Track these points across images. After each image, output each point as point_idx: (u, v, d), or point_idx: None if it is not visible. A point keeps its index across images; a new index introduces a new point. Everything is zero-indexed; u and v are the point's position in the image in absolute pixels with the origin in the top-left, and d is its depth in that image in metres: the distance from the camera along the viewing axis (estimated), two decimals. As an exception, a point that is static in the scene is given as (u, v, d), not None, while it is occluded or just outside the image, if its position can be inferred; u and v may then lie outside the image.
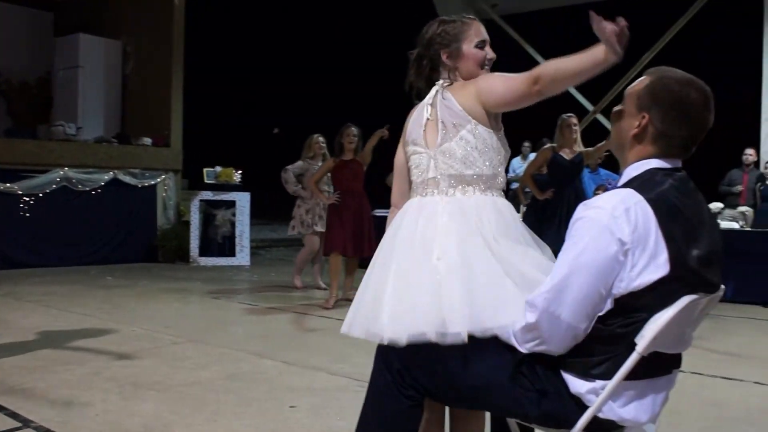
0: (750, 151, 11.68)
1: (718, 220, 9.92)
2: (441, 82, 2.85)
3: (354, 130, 8.51)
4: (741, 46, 14.86)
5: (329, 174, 8.86)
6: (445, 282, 2.45)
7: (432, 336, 2.35)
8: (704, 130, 2.24)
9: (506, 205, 2.75)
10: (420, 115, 2.85)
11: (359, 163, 8.48)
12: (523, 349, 2.23)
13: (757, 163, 11.87)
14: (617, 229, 2.07)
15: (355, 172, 8.48)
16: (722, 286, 2.30)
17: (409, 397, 2.40)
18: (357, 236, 8.32)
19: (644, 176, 2.20)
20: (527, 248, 2.63)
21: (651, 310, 2.10)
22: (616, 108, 2.36)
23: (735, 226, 9.94)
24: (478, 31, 2.86)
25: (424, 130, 2.81)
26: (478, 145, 2.71)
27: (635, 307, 2.11)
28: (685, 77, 2.24)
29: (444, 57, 2.84)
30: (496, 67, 2.85)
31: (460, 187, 2.71)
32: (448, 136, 2.73)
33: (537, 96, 2.56)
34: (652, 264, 2.07)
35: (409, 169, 2.91)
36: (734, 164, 11.94)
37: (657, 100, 2.21)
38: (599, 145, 7.64)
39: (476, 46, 2.84)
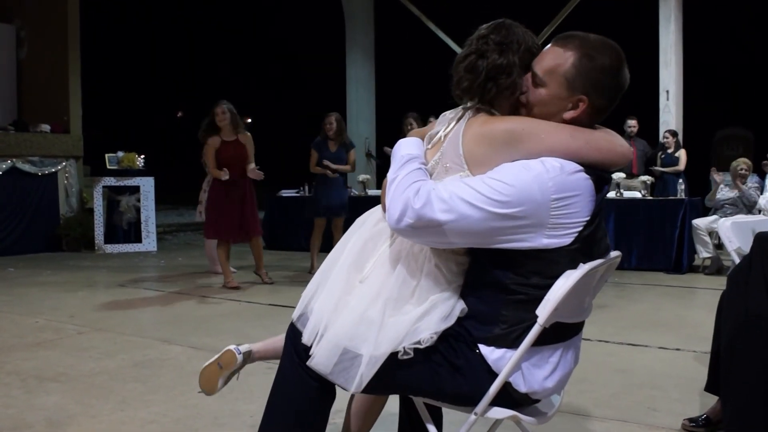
0: (632, 122, 11.88)
1: (621, 190, 10.23)
2: (473, 103, 2.34)
3: (224, 106, 8.24)
4: (637, 16, 15.23)
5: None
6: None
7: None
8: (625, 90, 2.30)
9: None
10: (439, 127, 2.42)
11: (242, 144, 8.26)
12: (387, 207, 2.22)
13: (645, 133, 12.14)
14: (539, 193, 2.08)
15: (238, 153, 8.22)
16: (618, 252, 2.39)
17: (317, 379, 2.32)
18: (238, 220, 8.24)
19: None
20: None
21: (545, 274, 2.17)
22: (526, 85, 2.27)
23: (637, 195, 10.24)
24: None
25: (428, 149, 2.40)
26: None
27: (536, 269, 2.17)
28: (602, 42, 2.25)
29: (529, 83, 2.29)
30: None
31: None
32: (435, 172, 2.32)
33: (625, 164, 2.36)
34: (571, 233, 2.14)
35: None
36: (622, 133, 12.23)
37: (592, 79, 2.20)
38: None
39: None
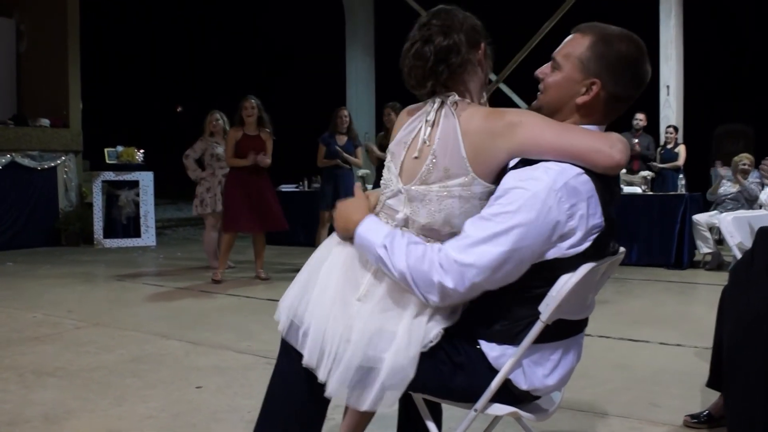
0: (640, 116, 11.84)
1: (621, 185, 10.21)
2: (453, 96, 2.26)
3: (252, 101, 8.38)
4: (638, 10, 15.20)
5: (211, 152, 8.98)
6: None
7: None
8: (646, 84, 2.25)
9: None
10: (412, 129, 2.32)
11: (262, 140, 8.34)
12: (422, 297, 2.12)
13: (646, 128, 12.10)
14: (556, 208, 2.03)
15: (257, 148, 8.29)
16: (622, 249, 2.35)
17: (314, 374, 2.27)
18: (258, 212, 8.21)
19: None
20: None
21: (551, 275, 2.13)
22: (545, 72, 2.27)
23: (638, 190, 10.23)
24: None
25: (415, 158, 2.27)
26: (464, 206, 2.20)
27: (552, 272, 2.13)
28: (622, 32, 2.20)
29: (480, 54, 2.30)
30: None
31: (422, 236, 2.26)
32: (432, 177, 2.22)
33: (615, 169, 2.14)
34: (587, 239, 2.09)
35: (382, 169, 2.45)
36: (622, 128, 12.09)
37: (607, 64, 2.15)
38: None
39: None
